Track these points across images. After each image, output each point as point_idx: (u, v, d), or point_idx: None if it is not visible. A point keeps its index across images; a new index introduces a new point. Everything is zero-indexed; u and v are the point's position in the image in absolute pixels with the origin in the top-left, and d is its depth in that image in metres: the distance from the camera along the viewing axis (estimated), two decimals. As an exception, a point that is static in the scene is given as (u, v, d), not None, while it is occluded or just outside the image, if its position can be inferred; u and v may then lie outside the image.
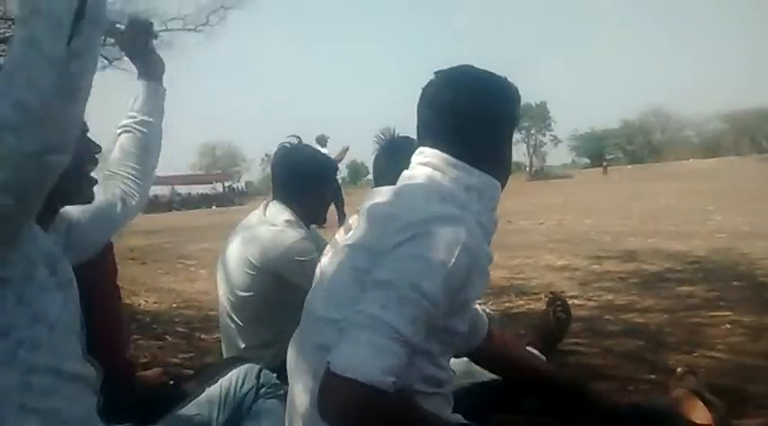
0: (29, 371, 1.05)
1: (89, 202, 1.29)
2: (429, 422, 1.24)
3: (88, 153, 1.25)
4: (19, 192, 0.91)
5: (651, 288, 4.86)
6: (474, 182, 1.38)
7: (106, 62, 11.36)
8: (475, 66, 1.47)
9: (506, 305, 4.57)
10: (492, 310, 3.16)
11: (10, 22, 14.61)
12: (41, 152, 0.89)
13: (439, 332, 1.26)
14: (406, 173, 1.47)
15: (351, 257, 1.33)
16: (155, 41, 1.76)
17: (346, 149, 11.23)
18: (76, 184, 1.20)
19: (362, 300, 1.18)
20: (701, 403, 2.03)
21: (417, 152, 1.46)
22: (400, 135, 2.30)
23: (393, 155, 2.21)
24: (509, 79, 1.47)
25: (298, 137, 2.51)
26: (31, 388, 1.05)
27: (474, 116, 1.40)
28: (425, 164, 1.42)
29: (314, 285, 1.46)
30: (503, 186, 1.47)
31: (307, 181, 2.43)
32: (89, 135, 1.35)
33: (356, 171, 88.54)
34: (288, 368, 1.44)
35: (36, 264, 1.09)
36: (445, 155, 1.40)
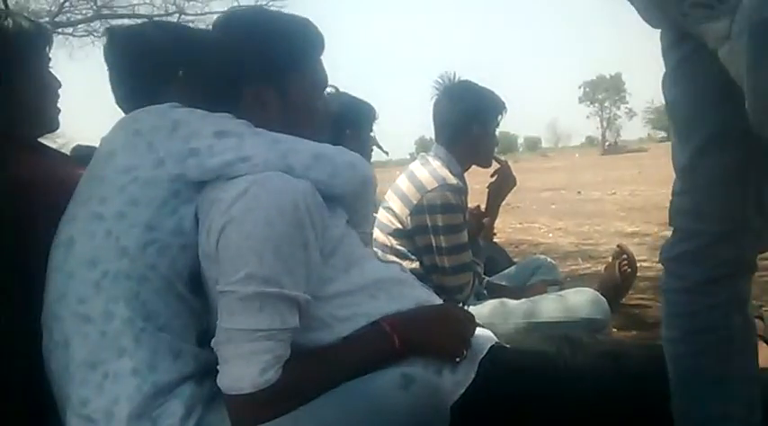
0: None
1: (53, 130, 1.41)
2: (338, 358, 1.16)
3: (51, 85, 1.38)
4: None
5: (726, 253, 4.70)
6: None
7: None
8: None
9: (572, 268, 4.52)
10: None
11: (91, 2, 15.15)
12: None
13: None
14: None
15: None
16: None
17: None
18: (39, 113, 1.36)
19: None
20: (765, 345, 2.00)
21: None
22: (461, 79, 2.25)
23: (454, 99, 2.21)
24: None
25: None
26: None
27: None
28: None
29: None
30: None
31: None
32: None
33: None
34: None
35: None
36: None
